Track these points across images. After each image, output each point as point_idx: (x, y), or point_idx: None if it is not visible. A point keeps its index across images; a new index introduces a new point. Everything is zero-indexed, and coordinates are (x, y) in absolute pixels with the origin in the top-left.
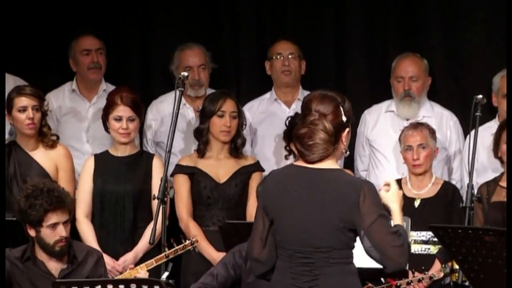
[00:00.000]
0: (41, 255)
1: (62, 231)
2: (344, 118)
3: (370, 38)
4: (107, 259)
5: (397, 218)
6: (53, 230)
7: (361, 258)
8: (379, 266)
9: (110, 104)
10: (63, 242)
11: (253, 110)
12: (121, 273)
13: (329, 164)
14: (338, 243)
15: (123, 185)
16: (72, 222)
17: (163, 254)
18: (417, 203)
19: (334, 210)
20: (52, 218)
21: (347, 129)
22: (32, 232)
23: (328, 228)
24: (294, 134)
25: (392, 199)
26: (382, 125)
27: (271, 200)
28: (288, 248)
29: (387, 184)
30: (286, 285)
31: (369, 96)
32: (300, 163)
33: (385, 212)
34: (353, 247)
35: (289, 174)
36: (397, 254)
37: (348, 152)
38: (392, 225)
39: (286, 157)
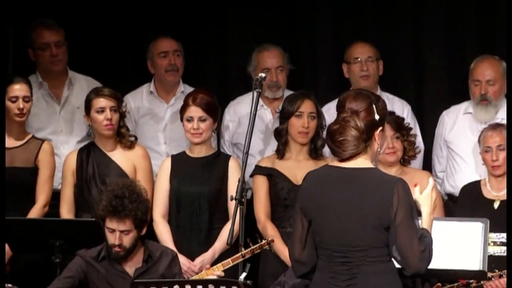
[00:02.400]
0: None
1: (115, 239)
2: (376, 116)
3: (449, 38)
4: (183, 259)
5: (424, 222)
6: (110, 234)
7: (437, 260)
8: (454, 267)
9: (183, 105)
10: (117, 249)
11: (331, 112)
12: (197, 273)
13: (363, 163)
14: (375, 241)
15: (199, 186)
16: (149, 222)
17: (239, 254)
18: (496, 205)
19: (370, 209)
20: (109, 223)
21: (380, 128)
22: (103, 227)
23: (365, 227)
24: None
25: (423, 202)
26: (460, 126)
27: (308, 201)
28: (327, 248)
29: (416, 185)
30: (326, 284)
31: (448, 97)
32: (336, 163)
33: (415, 212)
34: None
35: (325, 175)
36: (416, 258)
37: (381, 151)
38: (420, 226)
39: None
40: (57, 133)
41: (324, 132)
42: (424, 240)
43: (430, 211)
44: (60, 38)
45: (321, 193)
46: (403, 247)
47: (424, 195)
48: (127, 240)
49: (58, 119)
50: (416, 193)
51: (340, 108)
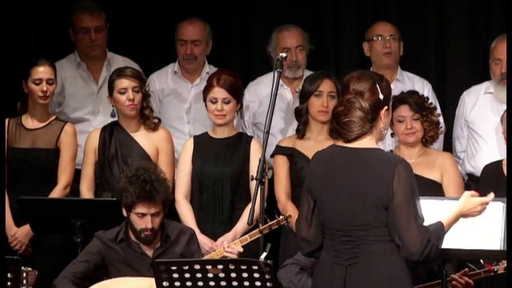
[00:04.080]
0: (134, 237)
1: (148, 223)
2: (381, 96)
3: (471, 17)
4: (205, 239)
5: (447, 217)
6: (140, 219)
7: (457, 239)
8: (474, 247)
9: (207, 85)
10: (148, 232)
11: None
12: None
13: (367, 143)
14: (376, 220)
15: (221, 167)
16: (171, 203)
17: (257, 230)
18: None
19: (371, 188)
20: (140, 208)
21: (386, 107)
22: (125, 213)
23: (365, 206)
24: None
25: (464, 203)
26: (480, 106)
27: (313, 180)
28: (330, 227)
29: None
30: (329, 263)
31: (469, 77)
32: (341, 143)
33: (416, 194)
34: None
35: (330, 155)
36: (412, 241)
37: (386, 131)
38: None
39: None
40: (94, 113)
41: None
42: (426, 229)
43: (462, 212)
44: (100, 23)
45: (324, 172)
46: (399, 228)
47: (472, 200)
48: (157, 222)
49: (95, 100)
50: (466, 196)
51: (344, 90)
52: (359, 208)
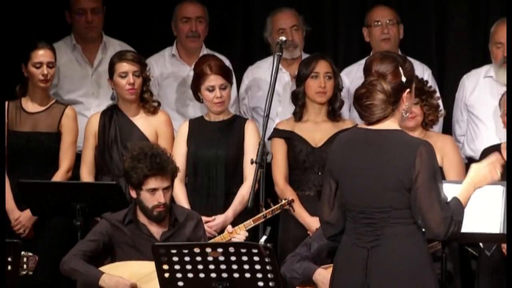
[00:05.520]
0: (142, 218)
1: (160, 197)
2: (403, 79)
3: (472, 1)
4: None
5: (461, 190)
6: (152, 195)
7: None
8: (474, 230)
9: (200, 74)
10: (161, 208)
11: (352, 75)
12: (219, 233)
13: (389, 125)
14: (397, 203)
15: (215, 150)
16: None
17: (261, 214)
18: None
19: (392, 170)
20: (152, 183)
21: (408, 90)
22: (133, 194)
23: (386, 188)
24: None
25: (475, 169)
26: (480, 90)
27: (335, 163)
28: (352, 209)
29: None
30: (351, 245)
31: (469, 60)
32: (363, 125)
33: (438, 176)
34: None
35: (352, 137)
36: (435, 222)
37: (408, 114)
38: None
39: None
40: (88, 95)
41: (342, 94)
42: (448, 207)
43: (473, 181)
44: (97, 5)
45: (346, 154)
46: (423, 209)
47: (481, 165)
48: (168, 197)
49: (90, 82)
50: (474, 166)
51: (366, 72)
52: (380, 190)
